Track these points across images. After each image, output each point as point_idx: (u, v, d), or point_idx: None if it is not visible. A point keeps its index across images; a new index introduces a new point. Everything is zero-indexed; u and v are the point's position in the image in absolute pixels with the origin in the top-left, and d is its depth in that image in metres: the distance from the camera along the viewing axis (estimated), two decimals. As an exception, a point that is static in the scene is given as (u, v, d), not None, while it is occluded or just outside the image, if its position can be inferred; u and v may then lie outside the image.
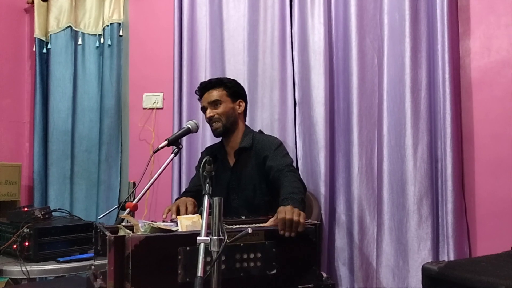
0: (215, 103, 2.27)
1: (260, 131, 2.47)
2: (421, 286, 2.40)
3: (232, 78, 2.46)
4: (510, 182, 2.23)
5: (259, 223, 1.78)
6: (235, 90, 2.34)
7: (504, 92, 2.27)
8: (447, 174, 2.28)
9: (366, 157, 2.57)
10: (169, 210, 2.01)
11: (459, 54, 2.39)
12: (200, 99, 2.37)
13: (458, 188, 2.29)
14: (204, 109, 2.33)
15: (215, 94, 2.29)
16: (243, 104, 2.36)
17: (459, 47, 2.39)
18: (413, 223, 2.39)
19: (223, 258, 1.37)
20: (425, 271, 1.55)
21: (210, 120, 2.29)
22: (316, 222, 1.67)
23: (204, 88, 2.34)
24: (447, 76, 2.30)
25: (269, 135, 2.45)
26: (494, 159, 2.28)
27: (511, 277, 1.33)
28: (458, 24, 2.39)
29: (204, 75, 2.93)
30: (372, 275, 2.50)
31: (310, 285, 1.51)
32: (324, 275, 1.62)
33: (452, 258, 2.22)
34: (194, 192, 2.24)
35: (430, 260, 2.28)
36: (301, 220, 1.58)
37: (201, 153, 2.53)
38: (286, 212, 1.60)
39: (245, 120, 2.42)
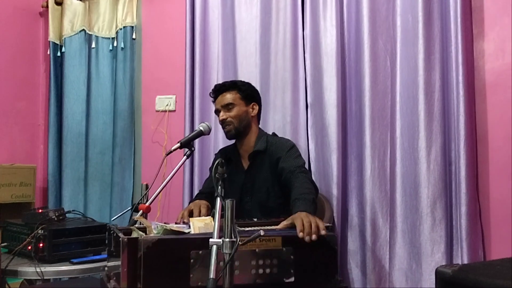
0: (228, 106, 2.28)
1: (273, 133, 2.47)
2: (434, 289, 2.37)
3: (244, 80, 2.46)
4: (525, 185, 2.20)
5: (271, 225, 1.77)
6: (248, 93, 2.34)
7: (519, 94, 2.24)
8: (461, 176, 2.26)
9: (378, 160, 2.55)
10: (183, 215, 2.02)
11: (473, 56, 2.36)
12: (214, 102, 2.38)
13: (472, 191, 2.26)
14: (217, 112, 2.34)
15: (228, 97, 2.29)
16: (256, 107, 2.36)
17: (473, 49, 2.37)
18: (426, 226, 2.37)
19: (237, 263, 1.36)
20: (438, 274, 1.53)
21: (222, 123, 2.30)
22: (329, 224, 1.66)
23: (218, 90, 2.34)
24: (460, 78, 2.28)
25: (282, 137, 2.44)
26: (509, 161, 2.25)
27: (527, 281, 1.31)
28: (472, 25, 2.37)
29: (217, 77, 2.94)
30: (385, 278, 2.48)
31: (323, 288, 1.49)
32: (337, 277, 1.61)
33: (466, 262, 2.19)
34: (207, 194, 2.25)
35: (444, 264, 2.26)
36: (319, 222, 1.56)
37: (215, 154, 2.54)
38: (302, 216, 1.59)
39: (258, 123, 2.42)
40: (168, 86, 3.27)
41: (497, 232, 2.27)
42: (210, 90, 2.42)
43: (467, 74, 2.29)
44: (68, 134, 3.47)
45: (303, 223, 1.54)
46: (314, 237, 1.49)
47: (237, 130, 2.28)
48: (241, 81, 2.44)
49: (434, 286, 2.40)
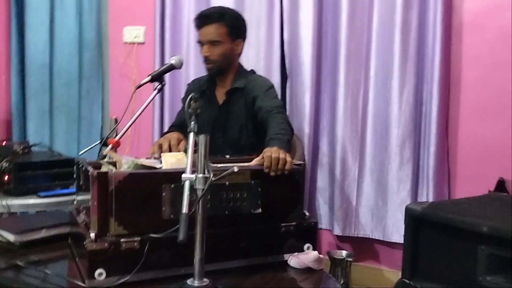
0: (214, 43, 2.13)
1: (252, 70, 2.36)
2: (398, 226, 2.46)
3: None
4: (493, 126, 2.25)
5: (244, 162, 1.76)
6: (236, 29, 2.18)
7: (495, 35, 2.23)
8: (432, 117, 2.29)
9: (351, 99, 2.55)
10: (153, 150, 1.97)
11: (451, -5, 2.33)
12: (197, 29, 2.20)
13: (442, 131, 2.30)
14: (200, 44, 2.21)
15: (216, 32, 2.12)
16: (241, 44, 2.22)
17: (452, -13, 2.33)
18: (394, 165, 2.43)
19: (208, 196, 1.36)
20: (408, 211, 1.57)
21: (205, 59, 2.18)
22: (301, 162, 1.67)
23: (204, 21, 2.16)
24: (438, 17, 2.26)
25: (261, 76, 2.34)
26: (479, 103, 2.29)
27: (493, 218, 1.36)
28: (452, -37, 2.31)
29: (188, 8, 2.82)
30: (351, 214, 2.55)
31: (293, 223, 1.53)
32: (306, 213, 1.64)
33: (431, 200, 2.27)
34: (179, 125, 2.20)
35: (408, 201, 2.33)
36: (288, 159, 1.57)
37: (188, 84, 2.40)
38: (272, 151, 1.58)
39: (239, 58, 2.32)
40: (137, 16, 3.12)
41: (463, 172, 2.34)
42: (181, 22, 2.31)
43: (445, 13, 2.26)
44: (31, 64, 3.30)
45: (271, 158, 1.55)
46: (279, 172, 1.51)
47: (219, 68, 2.17)
48: (229, 11, 2.21)
49: (398, 222, 2.49)
